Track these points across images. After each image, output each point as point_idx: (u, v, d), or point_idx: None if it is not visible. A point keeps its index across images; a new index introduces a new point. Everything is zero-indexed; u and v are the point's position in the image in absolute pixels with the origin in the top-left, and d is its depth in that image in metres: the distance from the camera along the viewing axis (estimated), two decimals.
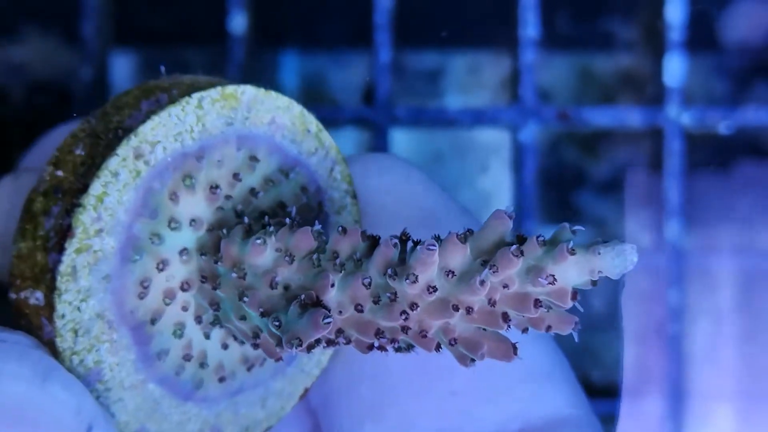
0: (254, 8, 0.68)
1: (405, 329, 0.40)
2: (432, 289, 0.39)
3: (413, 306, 0.39)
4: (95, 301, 0.43)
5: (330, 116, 0.67)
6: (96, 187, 0.43)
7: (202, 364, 0.47)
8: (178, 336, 0.46)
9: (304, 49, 0.73)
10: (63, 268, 0.43)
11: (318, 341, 0.41)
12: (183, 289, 0.46)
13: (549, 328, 0.40)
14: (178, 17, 0.70)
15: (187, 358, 0.47)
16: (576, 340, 0.41)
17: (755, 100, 0.72)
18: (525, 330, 0.41)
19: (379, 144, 0.68)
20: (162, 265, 0.45)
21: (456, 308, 0.39)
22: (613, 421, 0.62)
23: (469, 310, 0.39)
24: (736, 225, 0.69)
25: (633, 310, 0.68)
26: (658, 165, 0.67)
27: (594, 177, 0.73)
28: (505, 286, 0.39)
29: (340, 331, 0.41)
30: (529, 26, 0.67)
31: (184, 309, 0.46)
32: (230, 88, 0.46)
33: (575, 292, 0.39)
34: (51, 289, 0.43)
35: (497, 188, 0.65)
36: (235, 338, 0.47)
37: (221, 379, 0.47)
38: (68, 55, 0.70)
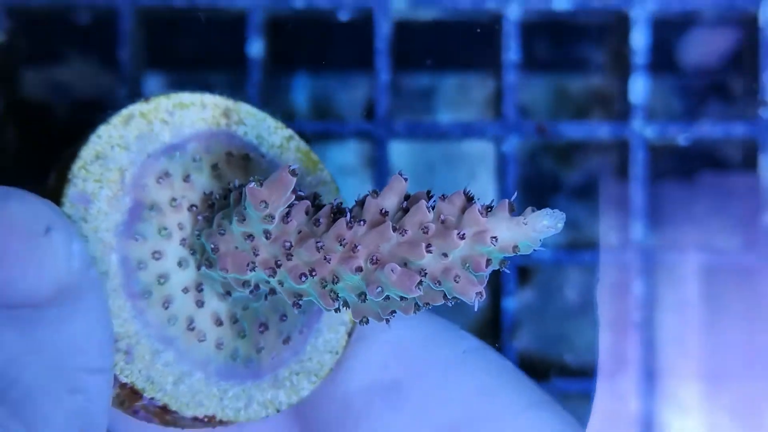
0: (270, 36, 0.68)
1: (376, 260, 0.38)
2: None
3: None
4: None
5: (336, 130, 0.67)
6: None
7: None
8: (218, 324, 0.45)
9: (313, 72, 0.73)
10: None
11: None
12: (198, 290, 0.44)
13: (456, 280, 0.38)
14: (203, 43, 0.70)
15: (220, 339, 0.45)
16: (475, 309, 0.39)
17: (710, 115, 0.72)
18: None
19: (378, 155, 0.67)
20: (158, 255, 0.43)
21: (429, 248, 0.37)
22: (587, 398, 0.63)
23: (430, 248, 0.37)
24: (695, 226, 0.69)
25: (605, 300, 0.68)
26: (624, 173, 0.67)
27: (568, 183, 0.73)
28: (462, 236, 0.37)
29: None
30: (511, 51, 0.67)
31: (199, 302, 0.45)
32: (138, 108, 0.44)
33: (489, 260, 0.37)
34: None
35: (484, 193, 0.66)
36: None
37: (259, 350, 0.45)
38: (106, 77, 0.70)
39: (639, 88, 0.68)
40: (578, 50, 0.74)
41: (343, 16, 0.68)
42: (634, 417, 0.66)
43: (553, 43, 0.74)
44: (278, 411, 0.45)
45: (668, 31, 0.72)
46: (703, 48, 0.72)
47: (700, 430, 0.67)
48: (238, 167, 0.45)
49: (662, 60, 0.72)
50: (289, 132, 0.47)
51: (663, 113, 0.73)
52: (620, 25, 0.69)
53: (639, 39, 0.67)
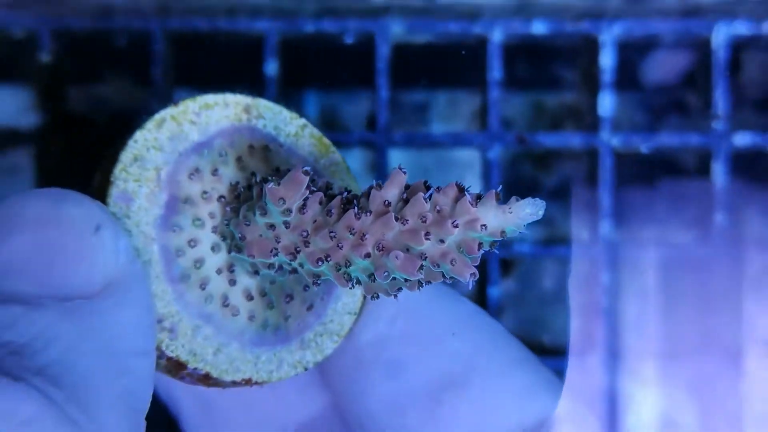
0: (284, 57, 0.68)
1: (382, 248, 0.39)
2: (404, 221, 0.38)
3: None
4: None
5: (342, 140, 0.67)
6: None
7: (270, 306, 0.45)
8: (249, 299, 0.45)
9: (322, 89, 0.73)
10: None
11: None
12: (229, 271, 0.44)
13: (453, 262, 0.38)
14: (225, 63, 0.70)
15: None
16: (469, 287, 0.39)
17: (669, 127, 0.73)
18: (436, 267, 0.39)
19: (380, 161, 0.67)
20: (194, 243, 0.44)
21: (427, 235, 0.38)
22: (561, 374, 0.63)
23: (428, 236, 0.38)
24: (655, 224, 0.69)
25: (576, 289, 0.68)
26: (593, 177, 0.68)
27: (545, 186, 0.74)
28: (456, 225, 0.37)
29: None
30: (495, 70, 0.68)
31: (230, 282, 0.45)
32: (169, 112, 0.44)
33: (481, 243, 0.38)
34: None
35: None
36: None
37: (287, 318, 0.45)
38: (141, 92, 0.70)
39: (606, 103, 0.68)
40: (553, 70, 0.74)
41: (348, 40, 0.68)
42: (601, 389, 0.66)
43: (532, 63, 0.74)
44: (306, 369, 0.46)
45: (632, 53, 0.72)
46: (663, 68, 0.73)
47: (658, 401, 0.67)
48: (259, 158, 0.45)
49: (627, 78, 0.72)
50: (303, 121, 0.47)
51: (627, 125, 0.73)
52: (590, 47, 0.69)
53: (606, 60, 0.68)
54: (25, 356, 0.36)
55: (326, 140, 0.47)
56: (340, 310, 0.47)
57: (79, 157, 0.69)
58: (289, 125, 0.47)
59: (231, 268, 0.44)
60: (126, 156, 0.43)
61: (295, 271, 0.42)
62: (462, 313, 0.47)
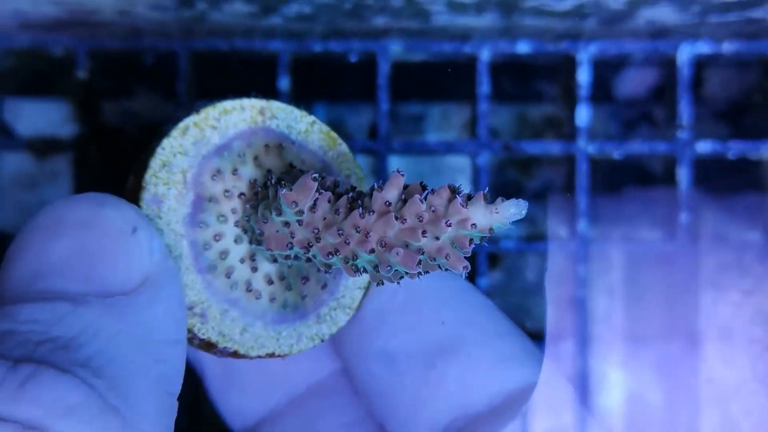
0: (295, 74, 0.68)
1: (385, 244, 0.39)
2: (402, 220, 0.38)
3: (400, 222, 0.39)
4: None
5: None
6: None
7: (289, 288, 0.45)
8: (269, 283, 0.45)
9: (329, 102, 0.73)
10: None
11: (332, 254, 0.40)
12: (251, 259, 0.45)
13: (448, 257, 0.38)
14: (243, 79, 0.70)
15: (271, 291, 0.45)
16: (463, 278, 0.40)
17: (638, 136, 0.73)
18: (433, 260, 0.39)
19: (380, 166, 0.68)
20: (219, 237, 0.44)
21: (424, 233, 0.38)
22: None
23: (425, 233, 0.38)
24: (625, 222, 0.69)
25: (554, 280, 0.68)
26: (571, 181, 0.68)
27: (528, 189, 0.74)
28: (449, 225, 0.38)
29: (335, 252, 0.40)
30: (483, 85, 0.68)
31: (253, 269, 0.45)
32: (191, 120, 0.44)
33: (472, 239, 0.38)
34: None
35: None
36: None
37: (303, 297, 0.46)
38: (167, 106, 0.70)
39: (583, 114, 0.68)
40: (536, 85, 0.74)
41: (353, 58, 0.69)
42: (575, 371, 0.66)
43: (516, 79, 0.74)
44: (323, 341, 0.46)
45: (606, 70, 0.72)
46: (633, 83, 0.73)
47: (626, 380, 0.67)
48: (274, 155, 0.45)
49: (601, 93, 0.72)
50: (312, 118, 0.47)
51: (602, 134, 0.73)
52: (568, 65, 0.69)
53: (583, 76, 0.68)
54: (71, 349, 0.36)
55: (333, 134, 0.47)
56: (351, 285, 0.47)
57: (112, 162, 0.69)
58: (299, 123, 0.46)
59: (252, 257, 0.44)
60: (155, 162, 0.43)
61: (309, 260, 0.42)
62: (455, 289, 0.47)
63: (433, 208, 0.38)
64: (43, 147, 0.72)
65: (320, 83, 0.73)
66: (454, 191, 0.38)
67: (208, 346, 0.44)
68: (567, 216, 0.68)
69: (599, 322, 0.67)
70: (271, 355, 0.45)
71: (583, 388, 0.66)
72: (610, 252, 0.68)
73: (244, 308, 0.44)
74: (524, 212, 0.38)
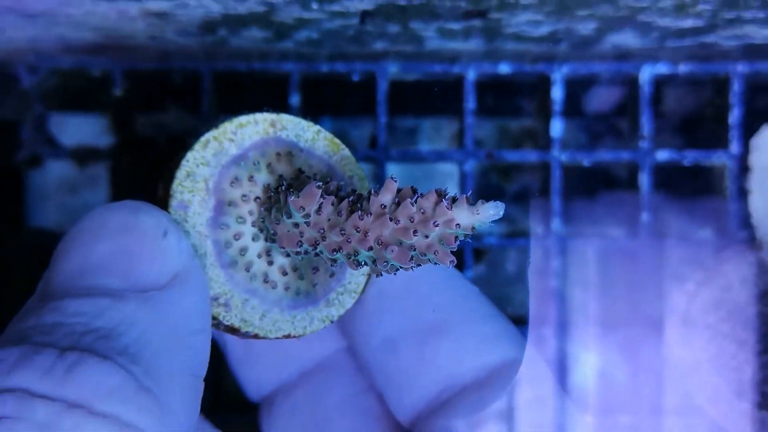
0: (304, 91, 0.68)
1: (384, 243, 0.39)
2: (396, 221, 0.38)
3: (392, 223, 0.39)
4: None
5: None
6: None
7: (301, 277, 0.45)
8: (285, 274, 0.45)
9: (334, 116, 0.73)
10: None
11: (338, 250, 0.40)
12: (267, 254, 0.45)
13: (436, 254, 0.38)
14: (259, 96, 0.70)
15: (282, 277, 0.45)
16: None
17: (605, 146, 0.73)
18: (423, 255, 0.39)
19: (380, 172, 0.68)
20: (238, 236, 0.44)
21: (415, 232, 0.38)
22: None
23: (416, 233, 0.38)
24: (595, 221, 0.69)
25: (534, 272, 0.68)
26: (547, 185, 0.68)
27: (508, 192, 0.74)
28: (436, 225, 0.38)
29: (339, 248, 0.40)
30: (469, 102, 0.68)
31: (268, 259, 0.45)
32: (211, 134, 0.44)
33: (457, 237, 0.38)
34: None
35: None
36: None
37: (314, 285, 0.46)
38: (192, 119, 0.70)
39: (557, 127, 0.68)
40: (515, 101, 0.74)
41: (355, 78, 0.69)
42: (553, 353, 0.66)
43: (498, 96, 0.74)
44: (332, 322, 0.46)
45: (577, 88, 0.72)
46: (601, 100, 0.73)
47: (597, 360, 0.67)
48: (285, 162, 0.45)
49: (572, 108, 0.72)
50: (317, 127, 0.47)
51: (573, 144, 0.73)
52: (544, 83, 0.69)
53: (557, 93, 0.68)
54: (111, 339, 0.36)
55: (337, 140, 0.47)
56: (355, 273, 0.47)
57: (144, 169, 0.69)
58: (306, 132, 0.46)
59: (268, 252, 0.45)
60: (181, 173, 0.43)
61: (317, 254, 0.42)
62: (445, 277, 0.47)
63: (422, 210, 0.38)
64: (83, 156, 0.73)
65: (326, 100, 0.73)
66: (441, 195, 0.38)
67: (232, 330, 0.44)
68: (543, 216, 0.68)
69: (573, 309, 0.67)
70: (287, 336, 0.45)
71: (560, 367, 0.66)
72: (581, 247, 0.67)
73: (262, 297, 0.44)
74: (501, 213, 0.38)
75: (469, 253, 0.69)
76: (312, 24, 0.57)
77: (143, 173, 0.69)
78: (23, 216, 0.73)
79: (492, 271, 0.75)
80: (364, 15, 0.55)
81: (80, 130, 0.73)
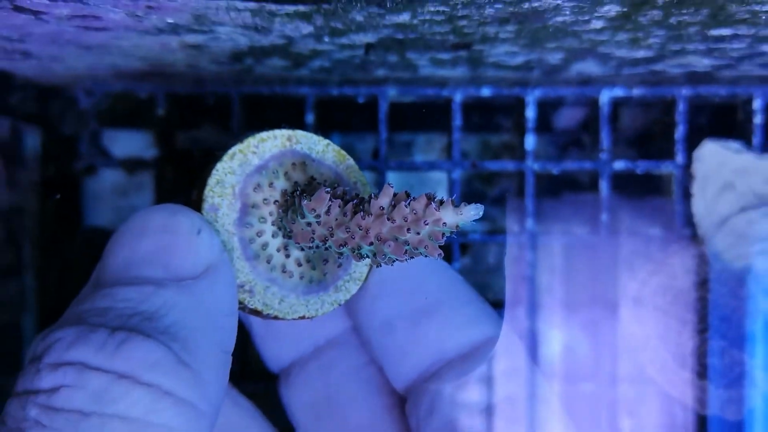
0: (317, 111, 0.68)
1: (382, 239, 0.39)
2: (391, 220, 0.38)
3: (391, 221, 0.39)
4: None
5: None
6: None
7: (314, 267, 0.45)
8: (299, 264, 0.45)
9: (343, 132, 0.73)
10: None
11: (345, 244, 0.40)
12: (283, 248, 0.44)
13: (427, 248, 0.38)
14: (280, 115, 0.70)
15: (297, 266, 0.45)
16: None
17: (570, 157, 0.73)
18: (416, 248, 0.38)
19: (381, 180, 0.68)
20: (261, 234, 0.43)
21: (408, 230, 0.38)
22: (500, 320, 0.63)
23: (409, 230, 0.38)
24: (561, 221, 0.69)
25: (510, 264, 0.68)
26: (522, 190, 0.68)
27: (489, 196, 0.74)
28: (426, 223, 0.38)
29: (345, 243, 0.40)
30: (457, 120, 0.68)
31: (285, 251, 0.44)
32: (237, 148, 0.44)
33: (443, 234, 0.38)
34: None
35: None
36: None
37: (325, 274, 0.45)
38: (223, 135, 0.70)
39: (530, 141, 0.68)
40: (495, 119, 0.74)
41: (360, 100, 0.69)
42: (525, 331, 0.66)
43: (481, 115, 0.74)
44: (340, 305, 0.46)
45: (547, 108, 0.72)
46: (567, 118, 0.73)
47: (562, 337, 0.67)
48: (300, 170, 0.45)
49: (543, 125, 0.72)
50: (327, 141, 0.46)
51: (544, 155, 0.73)
52: (519, 104, 0.69)
53: (530, 113, 0.68)
54: (154, 320, 0.36)
55: (343, 152, 0.47)
56: (359, 264, 0.46)
57: (183, 176, 0.69)
58: (317, 145, 0.46)
59: (286, 247, 0.44)
60: (212, 180, 0.43)
61: (327, 248, 0.42)
62: (435, 267, 0.47)
63: (414, 212, 0.38)
64: (131, 165, 0.73)
65: (336, 118, 0.73)
66: (430, 198, 0.38)
67: (256, 312, 0.44)
68: (518, 216, 0.68)
69: (543, 293, 0.67)
70: (302, 318, 0.45)
71: (531, 342, 0.66)
72: (550, 242, 0.67)
73: (281, 285, 0.44)
74: (481, 213, 0.38)
75: (456, 248, 0.69)
76: (324, 54, 0.57)
77: (181, 180, 0.69)
78: (81, 216, 0.73)
79: (476, 262, 0.75)
80: (368, 47, 0.55)
81: (129, 144, 0.73)
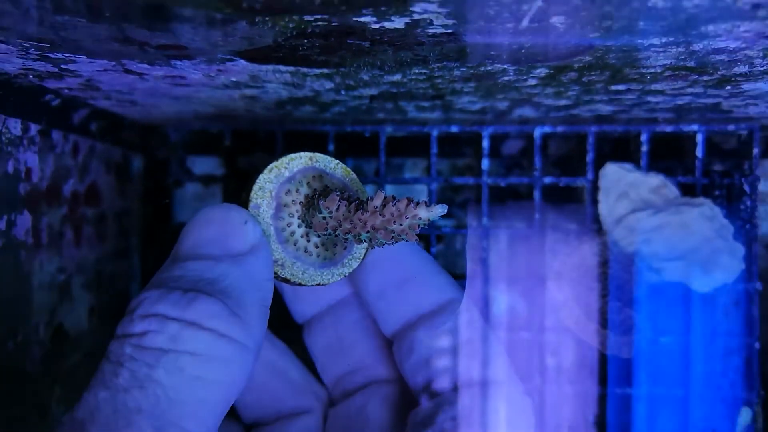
0: (336, 142, 0.68)
1: (374, 228, 0.38)
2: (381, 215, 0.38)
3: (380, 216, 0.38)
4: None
5: (363, 180, 0.67)
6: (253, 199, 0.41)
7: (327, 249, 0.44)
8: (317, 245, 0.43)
9: (354, 157, 0.73)
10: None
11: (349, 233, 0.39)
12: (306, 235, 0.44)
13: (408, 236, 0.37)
14: (310, 144, 0.69)
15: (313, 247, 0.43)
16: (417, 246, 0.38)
17: (514, 174, 0.73)
18: (400, 236, 0.38)
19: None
20: (290, 225, 0.42)
21: (394, 222, 0.37)
22: (463, 288, 0.62)
23: (395, 222, 0.37)
24: (507, 218, 0.68)
25: (471, 249, 0.68)
26: (479, 198, 0.68)
27: (456, 201, 0.74)
28: (407, 218, 0.37)
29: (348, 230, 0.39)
30: (434, 148, 0.67)
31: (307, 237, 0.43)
32: (274, 164, 0.42)
33: (419, 225, 0.37)
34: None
35: None
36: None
37: (335, 254, 0.44)
38: (271, 160, 0.70)
39: (485, 163, 0.67)
40: (461, 149, 0.74)
41: (366, 134, 0.68)
42: (481, 295, 0.66)
43: (451, 145, 0.74)
44: (345, 276, 0.45)
45: (498, 141, 0.72)
46: (511, 147, 0.73)
47: (507, 300, 0.67)
48: (318, 181, 0.44)
49: (494, 152, 0.72)
50: (337, 161, 0.45)
51: (495, 173, 0.73)
52: (478, 138, 0.69)
53: (485, 144, 0.67)
54: (214, 284, 0.36)
55: (348, 169, 0.45)
56: (359, 246, 0.45)
57: (242, 188, 0.69)
58: (330, 163, 0.44)
59: (308, 234, 0.44)
60: (255, 187, 0.42)
61: (337, 236, 0.41)
62: (413, 249, 0.45)
63: (398, 209, 0.38)
64: (206, 180, 0.73)
65: (350, 147, 0.73)
66: (410, 200, 0.38)
67: (285, 280, 0.43)
68: (476, 215, 0.67)
69: (493, 270, 0.67)
70: (319, 284, 0.44)
71: (484, 304, 0.66)
72: (499, 234, 0.67)
73: (303, 261, 0.43)
74: (446, 211, 0.37)
75: (433, 238, 0.69)
76: (341, 103, 0.57)
77: (241, 190, 0.69)
78: (171, 216, 0.73)
79: (447, 248, 0.75)
80: (372, 98, 0.55)
81: (205, 165, 0.73)
